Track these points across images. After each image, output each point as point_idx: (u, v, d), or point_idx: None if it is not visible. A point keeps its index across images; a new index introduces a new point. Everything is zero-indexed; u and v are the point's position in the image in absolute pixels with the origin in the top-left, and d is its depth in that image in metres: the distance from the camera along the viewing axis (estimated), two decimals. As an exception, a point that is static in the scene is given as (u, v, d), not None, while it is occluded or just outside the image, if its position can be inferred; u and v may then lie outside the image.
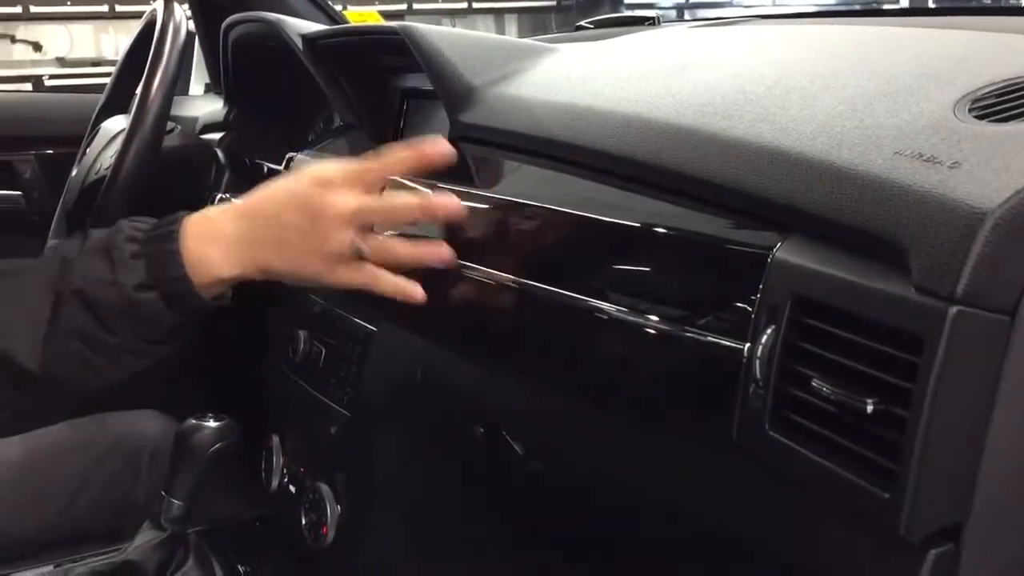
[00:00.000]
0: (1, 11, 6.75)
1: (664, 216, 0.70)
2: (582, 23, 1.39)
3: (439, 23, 6.16)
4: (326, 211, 0.73)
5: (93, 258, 0.76)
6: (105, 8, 6.92)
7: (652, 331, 0.66)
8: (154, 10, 1.31)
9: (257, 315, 1.28)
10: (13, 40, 6.96)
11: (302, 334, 1.09)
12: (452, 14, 6.96)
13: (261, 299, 1.29)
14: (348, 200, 0.74)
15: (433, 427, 0.94)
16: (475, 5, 6.99)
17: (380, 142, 1.23)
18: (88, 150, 1.38)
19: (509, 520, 0.93)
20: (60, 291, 0.75)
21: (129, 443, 1.18)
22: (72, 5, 6.89)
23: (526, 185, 0.88)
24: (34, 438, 1.16)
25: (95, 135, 1.40)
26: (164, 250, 0.74)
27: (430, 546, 1.02)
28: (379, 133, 1.23)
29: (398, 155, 0.76)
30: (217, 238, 0.75)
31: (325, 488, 1.04)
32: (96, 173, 1.30)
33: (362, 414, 0.99)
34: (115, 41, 7.15)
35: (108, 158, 1.29)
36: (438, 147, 0.76)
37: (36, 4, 6.81)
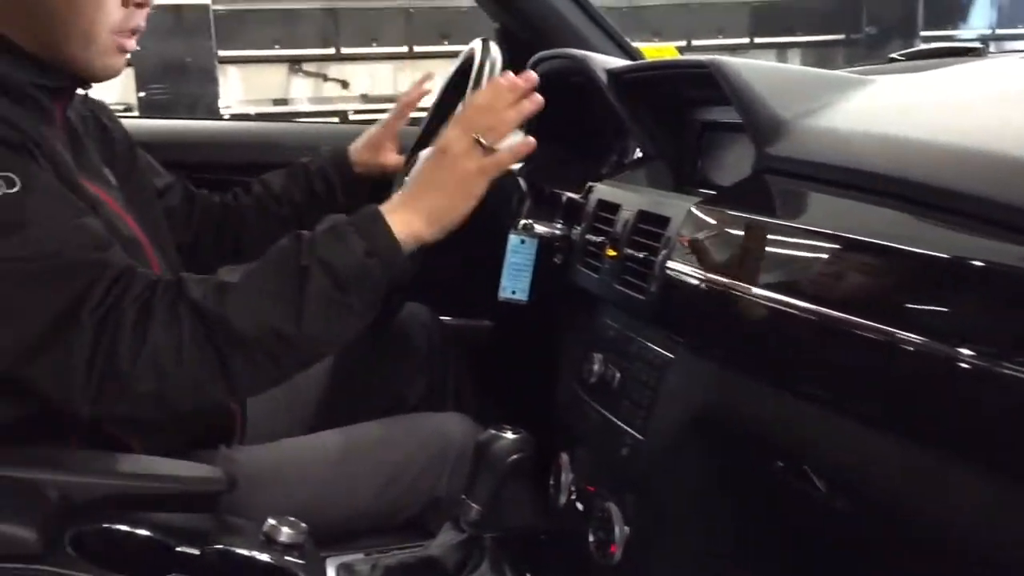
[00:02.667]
0: (317, 52, 7.51)
1: (994, 252, 0.66)
2: (895, 55, 1.34)
3: (719, 58, 6.11)
4: (452, 150, 1.08)
5: (327, 236, 1.00)
6: (405, 49, 7.51)
7: (970, 366, 0.63)
8: (472, 48, 1.41)
9: (553, 335, 1.34)
10: (325, 79, 7.72)
11: (597, 357, 1.13)
12: (733, 49, 6.91)
13: (557, 320, 1.35)
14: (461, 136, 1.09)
15: (730, 457, 0.94)
16: (757, 40, 6.90)
17: (679, 172, 1.26)
18: (407, 179, 1.50)
19: (805, 559, 0.91)
20: (307, 265, 0.97)
21: (436, 443, 1.26)
22: (377, 47, 7.54)
23: (837, 217, 0.86)
24: (352, 432, 1.28)
25: (412, 164, 1.52)
26: (377, 228, 1.02)
27: (719, 574, 1.01)
28: (678, 164, 1.26)
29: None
30: (408, 212, 1.05)
31: (614, 508, 1.07)
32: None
33: (656, 438, 1.00)
34: (411, 79, 7.71)
35: (426, 184, 1.40)
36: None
37: (346, 46, 7.52)
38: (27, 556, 0.90)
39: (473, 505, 1.10)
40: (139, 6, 1.05)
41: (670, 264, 0.99)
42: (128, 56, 1.09)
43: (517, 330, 1.60)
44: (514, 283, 1.31)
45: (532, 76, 1.12)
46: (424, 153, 1.17)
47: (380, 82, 7.84)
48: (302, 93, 7.70)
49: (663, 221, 1.04)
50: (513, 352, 1.63)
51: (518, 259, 1.31)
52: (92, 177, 1.10)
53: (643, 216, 1.09)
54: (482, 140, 1.07)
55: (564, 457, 1.23)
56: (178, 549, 1.01)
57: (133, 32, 1.07)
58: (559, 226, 1.32)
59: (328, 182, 1.45)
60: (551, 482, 1.26)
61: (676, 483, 1.00)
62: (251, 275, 1.00)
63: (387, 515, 1.25)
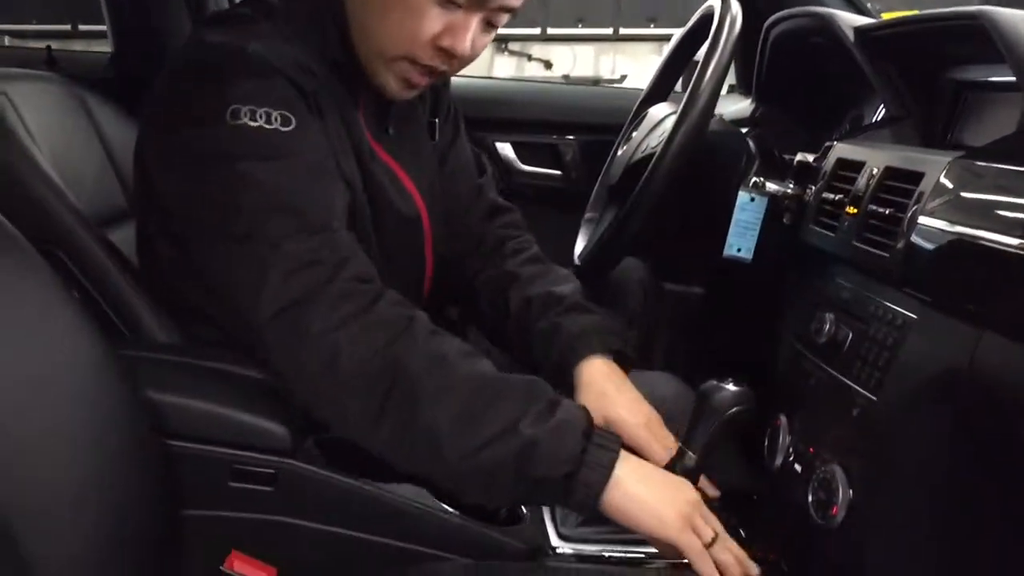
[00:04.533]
0: (523, 32, 7.63)
1: None
2: None
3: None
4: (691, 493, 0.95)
5: (560, 430, 0.89)
6: (610, 31, 7.50)
7: None
8: (710, 6, 1.40)
9: (774, 297, 1.31)
10: (529, 58, 7.83)
11: (828, 316, 1.10)
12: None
13: (781, 281, 1.33)
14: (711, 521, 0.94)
15: (976, 422, 0.89)
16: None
17: (928, 134, 1.20)
18: (634, 134, 1.51)
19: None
20: (519, 429, 0.87)
21: (651, 401, 1.26)
22: (582, 27, 7.56)
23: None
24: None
25: (641, 120, 1.53)
26: (600, 463, 0.89)
27: (947, 543, 0.97)
28: (927, 125, 1.20)
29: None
30: (635, 487, 0.91)
31: (838, 470, 1.04)
32: (642, 152, 1.42)
33: (891, 400, 0.97)
34: (612, 62, 7.70)
35: (655, 139, 1.40)
36: None
37: (552, 27, 7.58)
38: (278, 451, 0.97)
39: (689, 452, 1.09)
40: (444, 52, 0.99)
41: (922, 220, 0.95)
42: (416, 91, 1.06)
43: (733, 293, 1.58)
44: (740, 240, 1.30)
45: None
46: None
47: (582, 63, 7.86)
48: (505, 71, 7.84)
49: (915, 176, 1.00)
50: (729, 315, 1.61)
51: (746, 216, 1.30)
52: (392, 150, 1.12)
53: (891, 172, 1.05)
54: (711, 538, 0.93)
55: (783, 419, 1.21)
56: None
57: (430, 71, 1.02)
58: (791, 185, 1.29)
59: (554, 367, 1.16)
60: (766, 443, 1.24)
61: (910, 446, 0.96)
62: (476, 380, 0.90)
63: None
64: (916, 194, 0.98)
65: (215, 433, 0.97)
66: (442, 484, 0.94)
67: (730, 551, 0.91)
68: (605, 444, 0.90)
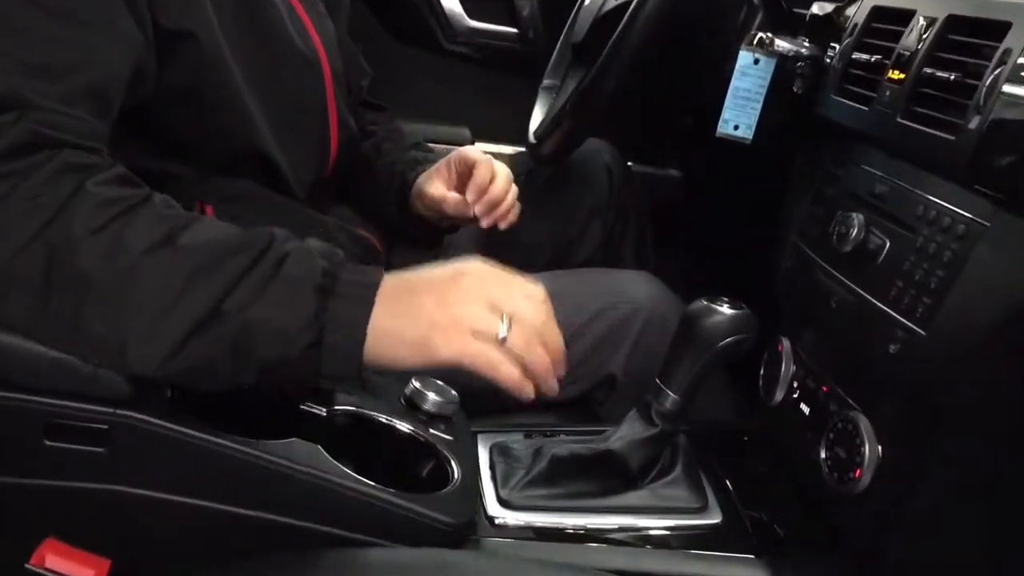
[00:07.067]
0: None
1: None
2: None
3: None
4: (461, 278, 0.71)
5: (283, 295, 0.68)
6: None
7: None
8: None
9: (780, 188, 1.05)
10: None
11: (857, 218, 0.84)
12: None
13: (789, 168, 1.06)
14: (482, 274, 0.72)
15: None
16: None
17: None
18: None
19: None
20: (224, 310, 0.67)
21: (620, 308, 1.02)
22: None
23: None
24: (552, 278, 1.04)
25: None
26: (349, 318, 0.68)
27: (1001, 525, 0.75)
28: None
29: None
30: (390, 322, 0.69)
31: (863, 420, 0.80)
32: (615, 1, 1.14)
33: (947, 336, 0.72)
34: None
35: (628, -15, 1.11)
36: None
37: None
38: (111, 400, 0.71)
39: (669, 393, 0.85)
40: None
41: (1008, 88, 0.68)
42: None
43: (727, 183, 1.32)
44: (738, 115, 1.02)
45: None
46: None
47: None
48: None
49: (996, 28, 0.72)
50: (720, 210, 1.35)
51: (747, 84, 1.01)
52: None
53: (955, 23, 0.78)
54: (506, 326, 0.70)
55: (785, 343, 0.97)
56: (302, 407, 0.81)
57: None
58: (806, 43, 1.01)
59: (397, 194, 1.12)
60: (762, 372, 1.00)
61: (968, 398, 0.72)
62: (169, 257, 0.68)
63: None
64: (999, 53, 0.71)
65: (24, 376, 0.70)
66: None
67: (535, 344, 0.71)
68: (352, 291, 0.69)
